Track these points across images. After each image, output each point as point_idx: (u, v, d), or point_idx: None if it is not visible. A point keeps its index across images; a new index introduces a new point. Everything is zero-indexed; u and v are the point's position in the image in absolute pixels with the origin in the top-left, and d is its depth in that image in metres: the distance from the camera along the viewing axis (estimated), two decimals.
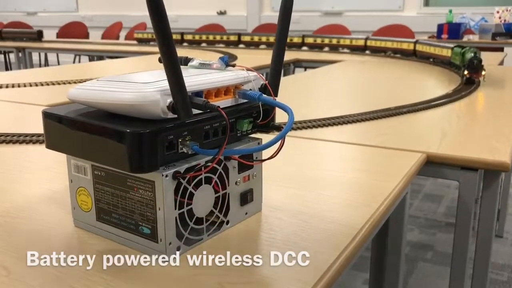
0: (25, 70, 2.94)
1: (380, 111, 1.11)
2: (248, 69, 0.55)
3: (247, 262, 0.48)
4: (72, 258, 0.49)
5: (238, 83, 0.54)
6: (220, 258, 0.49)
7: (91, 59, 4.04)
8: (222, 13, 6.06)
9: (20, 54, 3.20)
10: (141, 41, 3.47)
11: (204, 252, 0.50)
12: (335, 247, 0.51)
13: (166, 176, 0.47)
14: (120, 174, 0.49)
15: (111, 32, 5.17)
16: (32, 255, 0.49)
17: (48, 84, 1.51)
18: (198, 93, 0.49)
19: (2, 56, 5.45)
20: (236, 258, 0.49)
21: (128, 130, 0.44)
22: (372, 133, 0.99)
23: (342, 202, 0.64)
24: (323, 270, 0.46)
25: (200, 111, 0.48)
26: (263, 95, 0.52)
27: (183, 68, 0.55)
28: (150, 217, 0.48)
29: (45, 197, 0.64)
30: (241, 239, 0.54)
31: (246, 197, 0.57)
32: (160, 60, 0.60)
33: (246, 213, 0.58)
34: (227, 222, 0.55)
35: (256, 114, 0.56)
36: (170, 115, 0.46)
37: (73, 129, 0.49)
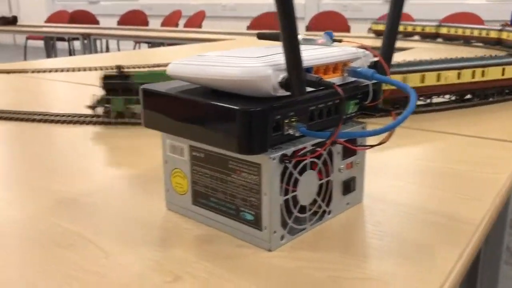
0: (96, 54, 3.01)
1: (470, 100, 1.03)
2: (357, 45, 0.50)
3: (357, 256, 0.44)
4: (169, 243, 0.46)
5: (347, 60, 0.49)
6: (326, 250, 0.45)
7: (151, 47, 4.10)
8: None
9: (85, 41, 3.28)
10: (379, 34, 2.69)
11: (309, 243, 0.46)
12: (455, 244, 0.45)
13: (274, 159, 0.43)
14: (221, 156, 0.46)
15: (170, 20, 5.23)
16: (127, 238, 0.47)
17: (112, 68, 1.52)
18: (308, 70, 0.45)
19: (67, 43, 5.65)
20: (344, 251, 0.45)
21: (238, 108, 0.41)
22: (466, 121, 0.92)
23: (446, 195, 0.58)
24: (447, 271, 0.41)
25: (310, 89, 0.44)
26: (377, 73, 0.47)
27: None
28: (254, 203, 0.45)
29: (128, 179, 0.63)
30: (345, 230, 0.49)
31: (349, 186, 0.52)
32: (259, 37, 0.56)
33: (348, 203, 0.53)
34: (329, 212, 0.51)
35: (361, 95, 0.51)
36: (280, 93, 0.42)
37: (174, 107, 0.47)
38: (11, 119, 0.93)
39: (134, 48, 5.45)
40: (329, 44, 0.51)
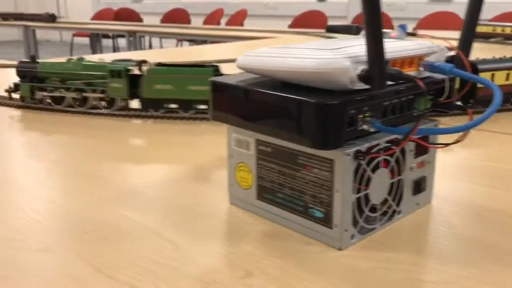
0: (139, 51, 3.06)
1: None
2: (432, 39, 0.48)
3: (433, 259, 0.42)
4: (236, 237, 0.46)
5: (423, 54, 0.47)
6: (398, 250, 0.43)
7: (193, 45, 4.13)
8: None
9: (131, 38, 3.34)
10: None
11: (379, 243, 0.44)
12: None
13: (348, 155, 0.41)
14: (290, 150, 0.45)
15: (212, 19, 5.27)
16: (195, 231, 0.47)
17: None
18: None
19: (111, 40, 5.78)
20: (418, 252, 0.43)
21: (314, 101, 0.40)
22: None
23: None
24: None
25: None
26: (456, 68, 0.44)
27: (356, 37, 0.49)
28: (324, 200, 0.43)
29: (186, 172, 0.62)
30: (417, 231, 0.47)
31: (420, 185, 0.50)
32: (328, 30, 0.55)
33: (417, 204, 0.51)
34: (399, 212, 0.49)
35: (434, 91, 0.49)
36: (358, 86, 0.41)
37: (244, 100, 0.46)
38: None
39: (176, 46, 5.52)
40: (403, 38, 0.49)
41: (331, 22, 4.54)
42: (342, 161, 0.41)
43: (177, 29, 3.65)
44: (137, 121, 0.88)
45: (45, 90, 0.92)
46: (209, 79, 0.49)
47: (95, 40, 4.94)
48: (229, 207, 0.52)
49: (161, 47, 5.93)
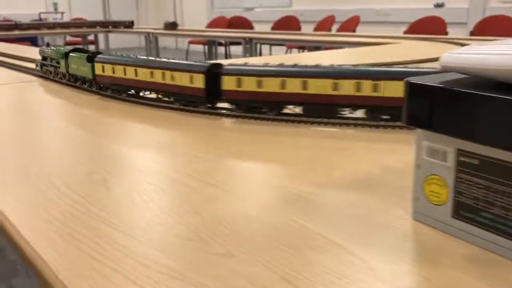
0: (251, 58, 3.12)
1: None
2: None
3: None
4: (432, 258, 0.40)
5: None
6: None
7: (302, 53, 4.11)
8: (439, 5, 5.63)
9: (247, 45, 3.41)
10: None
11: None
12: None
13: None
14: (506, 164, 0.39)
15: (323, 26, 5.23)
16: (378, 245, 0.42)
17: None
18: None
19: (223, 48, 5.97)
20: None
21: None
22: None
23: None
24: None
25: None
26: None
27: None
28: None
29: (348, 179, 0.58)
30: None
31: None
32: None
33: None
34: None
35: None
36: None
37: (449, 103, 0.40)
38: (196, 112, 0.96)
39: (286, 53, 5.56)
40: None
41: (450, 29, 4.28)
42: None
43: (295, 35, 3.67)
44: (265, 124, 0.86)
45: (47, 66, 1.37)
46: (405, 79, 0.44)
47: (211, 47, 5.12)
48: (413, 223, 0.47)
49: (270, 54, 6.01)
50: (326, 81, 0.80)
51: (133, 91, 1.05)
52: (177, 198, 0.53)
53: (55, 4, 8.88)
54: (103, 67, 1.06)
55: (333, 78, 0.80)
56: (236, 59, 2.03)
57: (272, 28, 5.57)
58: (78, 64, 1.15)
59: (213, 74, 0.88)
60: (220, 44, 5.78)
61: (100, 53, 1.10)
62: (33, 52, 2.26)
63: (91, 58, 1.08)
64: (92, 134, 0.80)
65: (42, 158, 0.68)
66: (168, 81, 0.94)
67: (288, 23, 5.63)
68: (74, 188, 0.56)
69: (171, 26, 4.29)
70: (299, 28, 5.53)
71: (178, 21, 8.76)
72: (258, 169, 0.63)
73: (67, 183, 0.58)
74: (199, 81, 0.89)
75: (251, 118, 0.88)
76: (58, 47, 1.28)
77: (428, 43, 2.77)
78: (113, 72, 1.03)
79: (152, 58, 0.97)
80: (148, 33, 4.48)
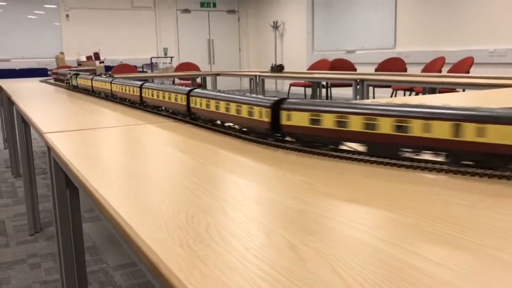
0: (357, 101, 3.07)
1: None
2: None
3: None
4: None
5: None
6: None
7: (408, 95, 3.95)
8: None
9: (358, 87, 3.36)
10: None
11: None
12: None
13: None
14: None
15: (432, 67, 5.04)
16: None
17: None
18: None
19: (324, 90, 5.97)
20: None
21: None
22: None
23: None
24: None
25: None
26: None
27: None
28: None
29: None
30: None
31: None
32: None
33: None
34: None
35: None
36: None
37: None
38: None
39: (391, 96, 5.42)
40: None
41: None
42: None
43: (404, 76, 3.55)
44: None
45: None
46: None
47: (315, 89, 5.13)
48: None
49: (373, 96, 5.89)
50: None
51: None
52: None
53: (165, 49, 9.55)
54: (195, 101, 1.15)
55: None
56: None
57: (376, 70, 5.46)
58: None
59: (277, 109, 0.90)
60: (323, 86, 5.78)
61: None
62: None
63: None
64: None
65: None
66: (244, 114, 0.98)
67: (393, 64, 5.51)
68: None
69: (277, 68, 4.38)
70: (404, 70, 5.38)
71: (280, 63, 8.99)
72: None
73: None
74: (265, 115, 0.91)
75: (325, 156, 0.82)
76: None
77: None
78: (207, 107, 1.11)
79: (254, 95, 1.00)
80: (255, 76, 4.60)
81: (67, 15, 9.08)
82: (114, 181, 0.71)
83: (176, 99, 1.25)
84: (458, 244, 0.45)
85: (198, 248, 0.45)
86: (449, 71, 4.74)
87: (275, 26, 9.83)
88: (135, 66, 7.16)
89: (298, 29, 9.17)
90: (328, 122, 0.80)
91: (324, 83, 5.70)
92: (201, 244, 0.46)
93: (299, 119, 0.85)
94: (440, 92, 3.17)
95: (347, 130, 0.78)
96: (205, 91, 1.12)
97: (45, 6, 8.94)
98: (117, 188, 0.66)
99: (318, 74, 4.18)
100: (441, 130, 0.69)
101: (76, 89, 2.49)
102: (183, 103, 1.21)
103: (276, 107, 0.89)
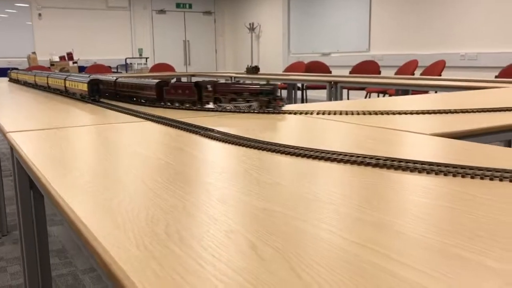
0: (346, 101, 3.09)
1: None
2: None
3: None
4: None
5: None
6: None
7: (380, 96, 4.00)
8: None
9: (332, 89, 3.38)
10: None
11: None
12: None
13: None
14: None
15: (405, 70, 5.11)
16: None
17: (376, 114, 1.44)
18: None
19: (300, 92, 5.99)
20: None
21: None
22: None
23: None
24: None
25: None
26: None
27: None
28: None
29: None
30: None
31: None
32: None
33: None
34: None
35: None
36: None
37: None
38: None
39: (365, 97, 5.47)
40: None
41: None
42: None
43: (379, 79, 3.59)
44: None
45: None
46: None
47: (291, 91, 5.15)
48: None
49: (348, 98, 5.94)
50: None
51: None
52: None
53: (140, 50, 9.45)
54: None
55: None
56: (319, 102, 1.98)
57: (351, 73, 5.52)
58: None
59: None
60: (298, 88, 5.81)
61: None
62: None
63: None
64: None
65: None
66: None
67: (367, 67, 5.57)
68: None
69: (253, 70, 4.38)
70: (378, 73, 5.44)
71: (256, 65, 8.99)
72: None
73: None
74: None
75: None
76: None
77: None
78: None
79: None
80: (231, 77, 4.59)
81: (40, 14, 8.90)
82: (76, 181, 0.69)
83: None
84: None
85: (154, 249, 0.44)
86: (421, 74, 4.81)
87: (252, 28, 9.83)
88: (110, 67, 7.06)
89: (274, 31, 9.19)
90: None
91: (299, 85, 5.72)
92: (158, 245, 0.44)
93: None
94: (412, 94, 3.22)
95: None
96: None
97: (17, 4, 8.74)
98: (79, 189, 0.64)
99: (294, 76, 4.19)
100: None
101: (48, 89, 2.43)
102: None
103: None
